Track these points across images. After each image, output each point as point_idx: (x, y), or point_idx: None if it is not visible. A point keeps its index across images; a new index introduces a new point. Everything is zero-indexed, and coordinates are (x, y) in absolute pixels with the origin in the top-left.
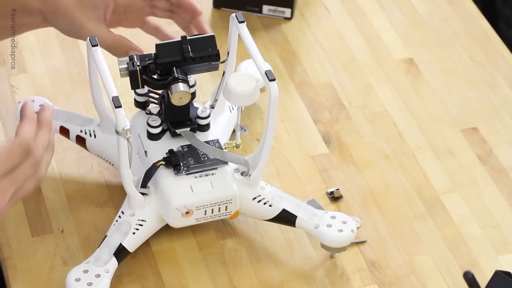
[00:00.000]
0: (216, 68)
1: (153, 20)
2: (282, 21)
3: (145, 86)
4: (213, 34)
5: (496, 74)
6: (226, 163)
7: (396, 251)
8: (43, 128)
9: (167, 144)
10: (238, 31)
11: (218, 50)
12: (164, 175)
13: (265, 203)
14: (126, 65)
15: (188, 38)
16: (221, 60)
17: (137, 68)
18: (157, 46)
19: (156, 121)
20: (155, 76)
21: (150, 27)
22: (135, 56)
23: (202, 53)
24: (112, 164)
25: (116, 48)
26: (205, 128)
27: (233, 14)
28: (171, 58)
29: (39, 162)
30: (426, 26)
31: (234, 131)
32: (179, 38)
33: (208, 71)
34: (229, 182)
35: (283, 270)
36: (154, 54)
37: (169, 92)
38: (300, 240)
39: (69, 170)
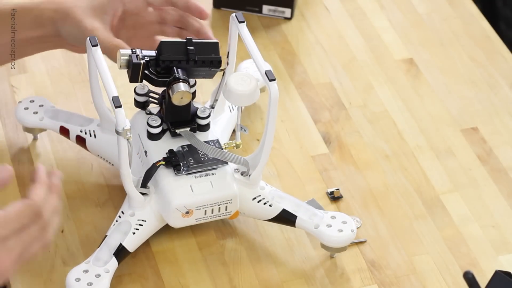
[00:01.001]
0: (212, 75)
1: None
2: (282, 21)
3: (143, 81)
4: (217, 41)
5: (496, 74)
6: (226, 163)
7: (396, 251)
8: (53, 194)
9: (167, 144)
10: (238, 31)
11: (221, 57)
12: (164, 175)
13: (265, 203)
14: (128, 57)
15: (193, 40)
16: (221, 68)
17: (141, 61)
18: (161, 43)
19: (156, 121)
20: (155, 73)
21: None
22: (137, 50)
23: (206, 57)
24: (112, 164)
25: (112, 51)
26: (205, 128)
27: (233, 14)
28: (175, 57)
29: (47, 226)
30: (426, 26)
31: (234, 131)
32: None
33: (203, 78)
34: (229, 182)
35: (283, 270)
36: (157, 51)
37: (170, 91)
38: (300, 240)
39: (69, 170)
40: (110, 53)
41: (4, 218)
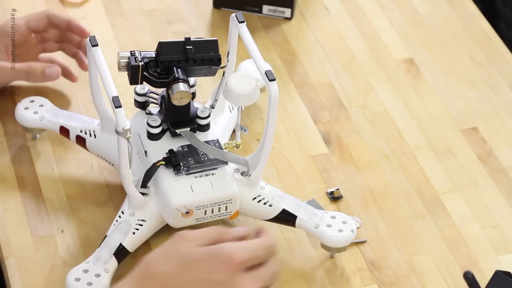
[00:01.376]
0: (214, 73)
1: (45, 54)
2: (282, 21)
3: (143, 82)
4: (216, 38)
5: (496, 74)
6: (226, 163)
7: (396, 251)
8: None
9: (167, 144)
10: (238, 31)
11: (220, 55)
12: (164, 175)
13: (265, 203)
14: (127, 60)
15: (192, 40)
16: (221, 65)
17: (140, 63)
18: (160, 44)
19: (156, 121)
20: (155, 74)
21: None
22: (136, 52)
23: (205, 56)
24: (112, 164)
25: (35, 71)
26: (205, 128)
27: (233, 14)
28: (174, 57)
29: (275, 267)
30: (426, 26)
31: (234, 131)
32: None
33: (205, 76)
34: (229, 182)
35: (283, 270)
36: (156, 52)
37: (169, 92)
38: (300, 240)
39: (69, 170)
40: (34, 73)
41: (244, 244)
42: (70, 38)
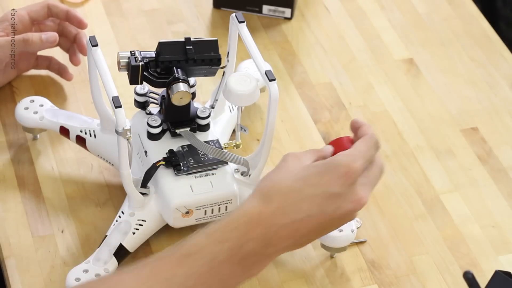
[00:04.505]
0: (213, 73)
1: (44, 53)
2: (282, 21)
3: (143, 82)
4: (216, 39)
5: (496, 74)
6: (226, 163)
7: (396, 251)
8: None
9: (167, 144)
10: (238, 31)
11: (220, 55)
12: (164, 175)
13: None
14: (127, 60)
15: (192, 40)
16: (221, 66)
17: (140, 63)
18: (160, 44)
19: (156, 121)
20: (155, 74)
21: (43, 61)
22: (136, 52)
23: (205, 56)
24: (112, 164)
25: (32, 37)
26: (205, 128)
27: (233, 14)
28: (174, 57)
29: (381, 161)
30: (426, 26)
31: (234, 131)
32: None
33: (205, 76)
34: (229, 182)
35: (283, 270)
36: (156, 52)
37: (169, 92)
38: None
39: (69, 170)
40: (24, 41)
41: (355, 151)
42: (66, 32)
